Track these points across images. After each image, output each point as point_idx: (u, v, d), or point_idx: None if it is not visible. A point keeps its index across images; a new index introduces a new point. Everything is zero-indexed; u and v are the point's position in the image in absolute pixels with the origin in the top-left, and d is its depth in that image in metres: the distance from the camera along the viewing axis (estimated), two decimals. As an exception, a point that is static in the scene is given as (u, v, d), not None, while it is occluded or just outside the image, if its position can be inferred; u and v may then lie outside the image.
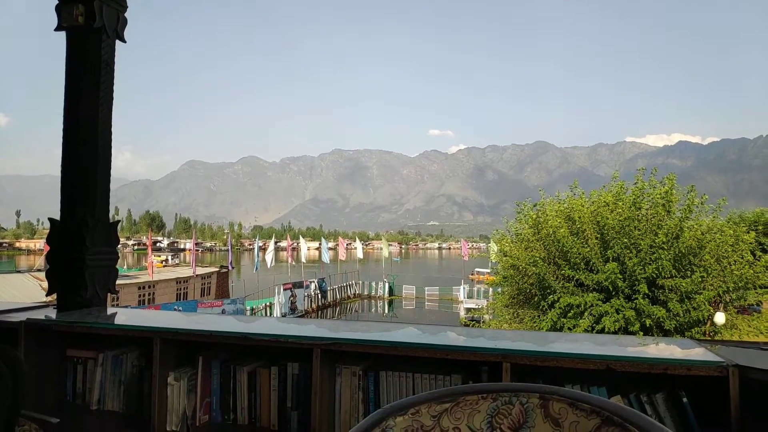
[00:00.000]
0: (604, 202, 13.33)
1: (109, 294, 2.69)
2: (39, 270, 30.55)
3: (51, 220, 2.64)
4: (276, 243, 47.01)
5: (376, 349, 1.86)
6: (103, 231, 2.63)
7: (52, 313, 2.49)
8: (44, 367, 2.31)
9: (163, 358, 2.08)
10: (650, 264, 11.79)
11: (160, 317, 2.57)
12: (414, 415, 1.25)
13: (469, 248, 52.65)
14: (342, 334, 1.95)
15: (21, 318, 2.28)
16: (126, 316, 2.46)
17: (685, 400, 1.61)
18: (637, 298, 11.82)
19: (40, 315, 2.41)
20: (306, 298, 34.55)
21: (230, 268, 37.37)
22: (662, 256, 11.68)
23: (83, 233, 2.56)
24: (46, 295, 2.67)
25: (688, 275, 11.87)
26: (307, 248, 51.03)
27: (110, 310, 2.53)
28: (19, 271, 32.58)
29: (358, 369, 1.98)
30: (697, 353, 1.67)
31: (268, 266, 37.69)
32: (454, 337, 1.95)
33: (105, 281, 2.63)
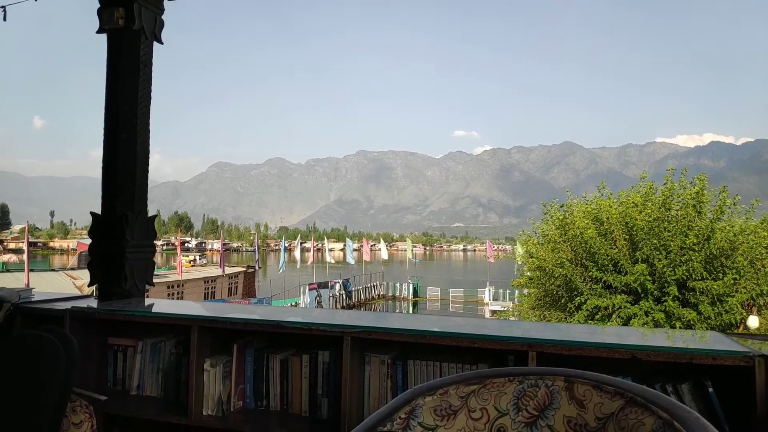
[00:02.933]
0: (633, 202, 13.14)
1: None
2: (72, 269, 31.42)
3: (93, 214, 2.77)
4: (301, 244, 47.45)
5: (404, 337, 1.91)
6: (142, 225, 2.75)
7: (94, 303, 2.61)
8: (87, 353, 2.42)
9: (200, 345, 2.17)
10: (680, 266, 11.57)
11: (197, 307, 2.67)
12: (442, 396, 1.30)
13: (495, 250, 52.29)
14: (371, 323, 2.01)
15: (66, 306, 2.41)
16: (164, 305, 2.57)
17: (710, 389, 1.63)
18: (666, 300, 11.62)
19: (82, 304, 2.53)
20: (331, 299, 34.80)
21: (257, 267, 37.85)
22: (693, 257, 11.46)
23: (123, 227, 2.68)
24: (88, 286, 2.79)
25: (720, 277, 11.61)
26: (331, 249, 51.32)
27: (148, 301, 2.65)
28: (53, 270, 33.53)
29: (387, 357, 2.04)
30: (723, 343, 1.69)
31: (298, 266, 38.07)
32: (480, 327, 1.99)
33: (143, 273, 2.75)
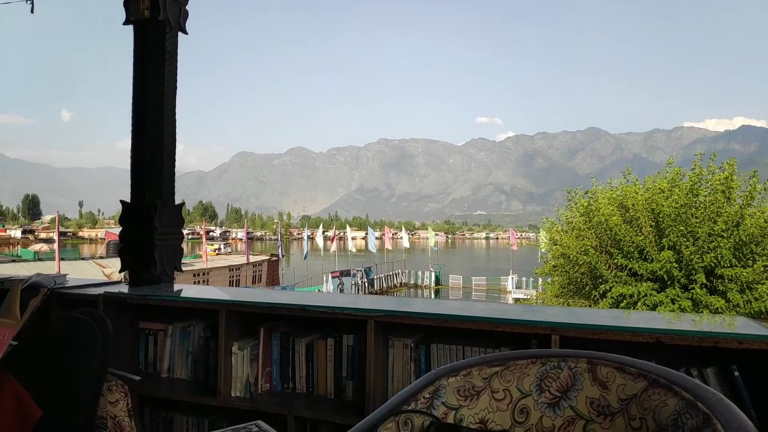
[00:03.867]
0: (659, 188, 12.90)
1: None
2: (101, 257, 32.17)
3: (122, 202, 2.84)
4: (324, 233, 47.78)
5: (426, 321, 1.94)
6: (170, 213, 2.81)
7: (125, 289, 2.69)
8: (119, 337, 2.50)
9: (228, 329, 2.23)
10: (708, 253, 11.37)
11: (224, 292, 2.73)
12: (465, 377, 1.32)
13: (518, 238, 51.91)
14: (394, 307, 2.04)
15: (99, 292, 2.49)
16: (192, 291, 2.64)
17: (736, 374, 1.62)
18: (693, 288, 11.44)
19: (114, 290, 2.61)
20: (353, 286, 35.02)
21: (280, 256, 38.25)
22: (721, 244, 11.24)
23: (152, 215, 2.74)
24: (119, 272, 2.88)
25: (750, 264, 11.38)
26: (353, 238, 51.56)
27: (177, 286, 2.71)
28: (83, 258, 34.37)
29: (410, 341, 2.07)
30: (750, 328, 1.67)
31: (322, 254, 38.38)
32: (502, 312, 2.00)
33: (172, 259, 2.82)
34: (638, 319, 1.96)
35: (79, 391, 1.40)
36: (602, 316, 2.04)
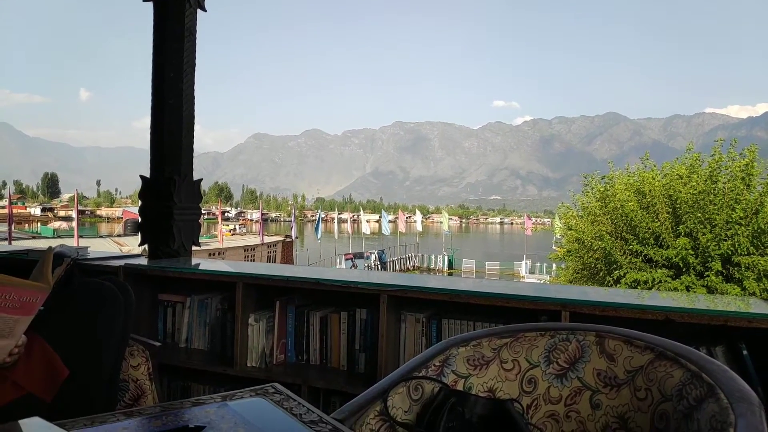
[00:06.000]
0: (678, 174, 12.72)
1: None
2: (119, 235, 32.67)
3: (142, 177, 2.90)
4: (338, 215, 47.95)
5: (439, 296, 1.97)
6: (188, 188, 2.87)
7: (145, 262, 2.76)
8: (139, 308, 2.57)
9: (245, 301, 2.29)
10: (726, 240, 11.23)
11: (241, 265, 2.79)
12: (475, 347, 1.36)
13: (533, 223, 51.64)
14: (407, 283, 2.08)
15: (120, 263, 2.56)
16: (210, 264, 2.70)
17: (745, 352, 1.64)
18: (709, 276, 11.33)
19: (134, 262, 2.68)
20: (366, 269, 35.22)
21: (294, 237, 38.52)
22: (739, 232, 11.10)
23: (171, 190, 2.80)
24: (139, 246, 2.95)
25: (768, 253, 11.24)
26: (367, 220, 51.69)
27: (195, 260, 2.78)
28: (101, 236, 34.92)
29: (422, 316, 2.11)
30: (760, 307, 1.68)
31: (335, 236, 38.59)
32: (514, 289, 2.03)
33: (190, 234, 2.88)
34: (649, 297, 1.98)
35: (103, 354, 1.46)
36: (612, 294, 2.06)
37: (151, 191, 2.86)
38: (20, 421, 0.86)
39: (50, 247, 1.40)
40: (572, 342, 1.33)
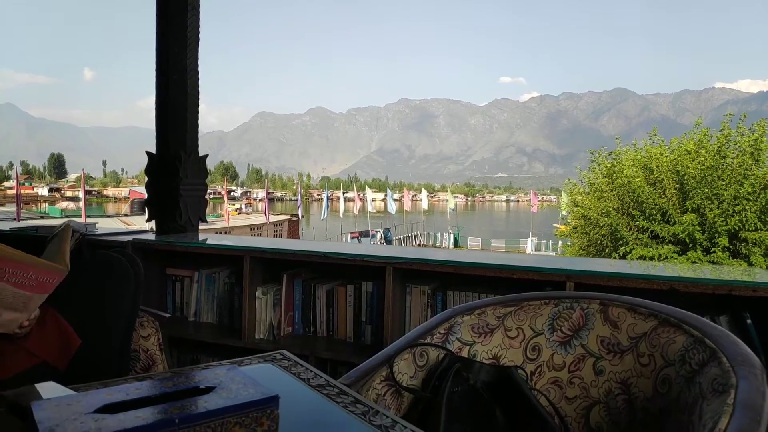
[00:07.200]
0: (686, 150, 12.61)
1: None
2: (126, 215, 32.84)
3: (148, 153, 2.90)
4: (344, 194, 47.98)
5: (444, 268, 1.99)
6: (194, 163, 2.87)
7: (152, 237, 2.79)
8: (148, 282, 2.60)
9: (252, 274, 2.31)
10: (733, 216, 11.19)
11: (248, 240, 2.81)
12: (480, 315, 1.37)
13: (539, 200, 51.47)
14: (412, 255, 2.09)
15: (128, 239, 2.58)
16: (217, 239, 2.73)
17: (749, 321, 1.65)
18: (715, 251, 11.31)
19: (142, 237, 2.71)
20: (372, 247, 35.33)
21: (300, 216, 38.62)
22: (747, 207, 11.04)
23: (177, 166, 2.81)
24: (146, 221, 2.97)
25: (775, 228, 11.19)
26: (372, 199, 51.66)
27: (202, 235, 2.80)
28: (108, 216, 35.13)
29: (427, 288, 2.13)
30: (764, 276, 1.68)
31: (341, 215, 38.70)
32: (519, 260, 2.04)
33: (197, 209, 2.90)
34: (653, 268, 1.98)
35: (114, 324, 1.48)
36: (617, 265, 2.07)
37: (158, 167, 2.87)
38: (36, 385, 0.89)
39: (68, 225, 1.42)
40: (576, 310, 1.34)
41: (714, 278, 1.64)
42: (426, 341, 1.27)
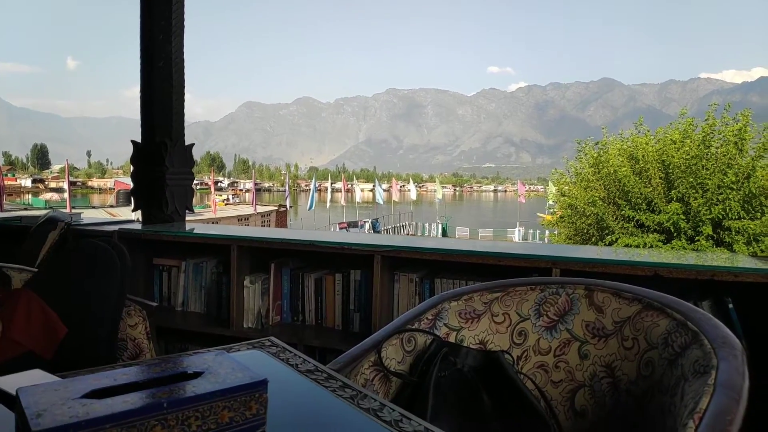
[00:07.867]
0: (671, 140, 12.73)
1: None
2: (111, 206, 32.49)
3: (133, 142, 2.88)
4: (332, 184, 47.84)
5: (432, 256, 2.00)
6: (180, 152, 2.85)
7: (139, 227, 2.77)
8: (135, 272, 2.59)
9: (240, 263, 2.30)
10: (717, 204, 11.34)
11: (235, 229, 2.80)
12: (467, 301, 1.38)
13: (526, 190, 51.72)
14: (401, 243, 2.10)
15: (114, 228, 2.56)
16: (204, 228, 2.71)
17: (731, 306, 1.68)
18: (699, 240, 11.47)
19: (128, 227, 2.68)
20: (361, 237, 35.33)
21: (288, 207, 38.48)
22: (731, 196, 11.20)
23: (162, 154, 2.78)
24: (132, 211, 2.95)
25: (758, 217, 11.35)
26: (361, 189, 51.59)
27: (189, 225, 2.78)
28: (93, 207, 34.75)
29: (415, 276, 2.14)
30: (745, 261, 1.71)
31: (328, 206, 38.65)
32: (506, 248, 2.06)
33: (183, 198, 2.88)
34: (638, 254, 2.01)
35: (101, 312, 1.48)
36: (602, 251, 2.10)
37: (143, 156, 2.84)
38: (21, 373, 0.88)
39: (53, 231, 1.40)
40: (562, 295, 1.35)
41: (697, 264, 1.67)
42: (414, 327, 1.28)
